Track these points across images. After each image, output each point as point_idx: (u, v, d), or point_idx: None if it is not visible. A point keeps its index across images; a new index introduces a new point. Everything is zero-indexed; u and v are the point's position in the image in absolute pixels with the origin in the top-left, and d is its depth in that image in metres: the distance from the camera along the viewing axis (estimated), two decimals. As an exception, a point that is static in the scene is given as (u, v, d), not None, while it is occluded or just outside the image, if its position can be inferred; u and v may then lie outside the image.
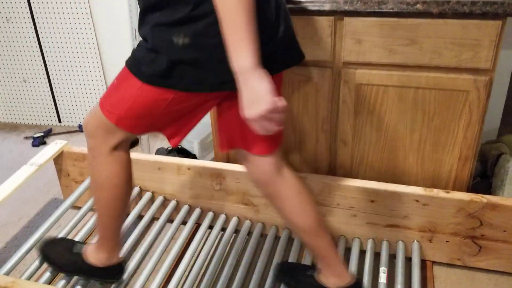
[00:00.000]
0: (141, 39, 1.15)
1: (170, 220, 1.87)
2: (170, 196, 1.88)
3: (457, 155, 1.64)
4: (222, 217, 1.81)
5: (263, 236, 1.81)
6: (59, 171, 2.01)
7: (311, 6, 1.53)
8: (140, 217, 1.89)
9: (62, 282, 1.52)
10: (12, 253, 1.82)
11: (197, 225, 1.85)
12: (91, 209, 1.85)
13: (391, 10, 1.46)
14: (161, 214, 1.84)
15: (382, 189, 1.58)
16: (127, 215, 1.84)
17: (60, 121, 2.83)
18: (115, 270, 1.50)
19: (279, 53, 1.15)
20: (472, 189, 1.73)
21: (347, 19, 1.53)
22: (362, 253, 1.69)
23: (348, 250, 1.70)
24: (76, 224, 1.75)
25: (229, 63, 1.03)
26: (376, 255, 1.65)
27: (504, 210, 1.49)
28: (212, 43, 1.03)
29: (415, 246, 1.61)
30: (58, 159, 1.98)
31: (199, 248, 1.76)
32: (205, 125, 2.10)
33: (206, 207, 1.84)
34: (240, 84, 0.97)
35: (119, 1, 2.39)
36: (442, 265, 1.66)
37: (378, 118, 1.67)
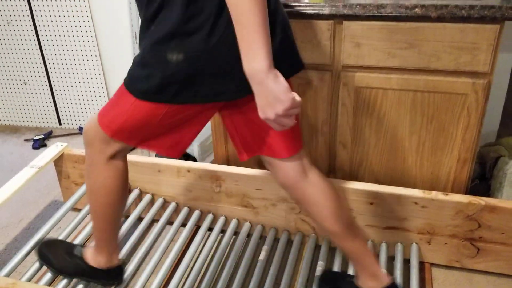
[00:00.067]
0: (138, 52, 1.16)
1: (169, 222, 1.88)
2: (170, 198, 1.89)
3: (455, 157, 1.65)
4: (221, 219, 1.82)
5: (262, 238, 1.81)
6: (59, 173, 2.02)
7: (310, 10, 1.54)
8: (140, 219, 1.90)
9: (63, 283, 1.53)
10: (13, 255, 1.83)
11: (197, 227, 1.85)
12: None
13: (390, 14, 1.48)
14: (160, 216, 1.85)
15: (381, 191, 1.59)
16: (126, 217, 1.85)
17: (60, 124, 2.83)
18: (115, 272, 1.51)
19: (275, 64, 1.15)
20: (471, 191, 1.74)
21: (346, 23, 1.54)
22: (361, 255, 1.70)
23: (347, 252, 1.71)
24: (76, 226, 1.76)
25: (223, 76, 1.05)
26: (375, 257, 1.66)
27: (502, 212, 1.50)
28: (205, 58, 1.04)
29: (414, 248, 1.62)
30: (59, 161, 1.98)
31: (199, 250, 1.77)
32: (205, 127, 2.10)
33: (205, 209, 1.85)
34: (254, 87, 0.96)
35: (119, 5, 2.39)
36: (440, 267, 1.66)
37: (377, 121, 1.67)
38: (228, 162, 1.94)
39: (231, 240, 1.80)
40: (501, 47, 1.95)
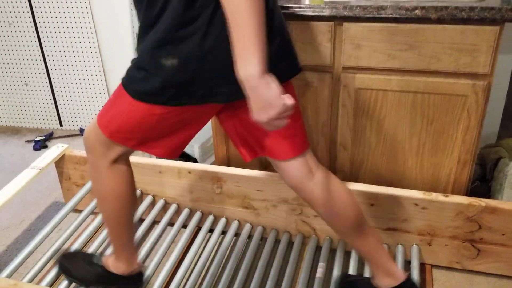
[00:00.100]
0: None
1: (170, 223, 1.88)
2: (171, 199, 1.89)
3: (456, 159, 1.65)
4: (222, 221, 1.82)
5: (263, 239, 1.82)
6: (61, 174, 2.02)
7: (311, 12, 1.54)
8: (141, 220, 1.90)
9: (64, 284, 1.53)
10: (14, 256, 1.83)
11: (198, 228, 1.86)
12: (92, 213, 1.86)
13: (390, 16, 1.48)
14: (161, 218, 1.85)
15: (381, 192, 1.59)
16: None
17: (61, 125, 2.84)
18: (136, 278, 1.51)
19: (271, 68, 1.15)
20: (471, 192, 1.74)
21: (346, 25, 1.54)
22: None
23: (347, 254, 1.71)
24: (77, 227, 1.76)
25: (218, 79, 1.06)
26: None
27: (502, 214, 1.50)
28: (199, 62, 1.05)
29: (414, 249, 1.62)
30: (60, 162, 1.99)
31: (200, 252, 1.77)
32: (206, 129, 2.11)
33: (206, 210, 1.85)
34: (247, 91, 0.96)
35: (121, 6, 2.40)
36: (441, 268, 1.66)
37: (378, 122, 1.68)
38: (229, 164, 1.94)
39: (232, 241, 1.80)
40: (502, 48, 1.95)
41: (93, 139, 1.27)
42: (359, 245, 1.34)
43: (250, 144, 1.27)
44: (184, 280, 1.64)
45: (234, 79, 1.03)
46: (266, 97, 0.94)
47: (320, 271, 1.57)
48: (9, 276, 1.55)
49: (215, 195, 1.80)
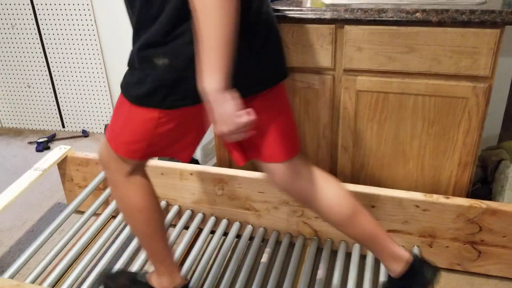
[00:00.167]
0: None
1: (172, 224, 1.89)
2: (173, 201, 1.90)
3: (456, 161, 1.66)
4: (224, 222, 1.83)
5: (264, 241, 1.82)
6: (63, 176, 2.03)
7: (312, 15, 1.55)
8: (143, 221, 1.91)
9: (66, 284, 1.54)
10: (16, 257, 1.84)
11: (199, 230, 1.86)
12: (94, 214, 1.86)
13: (391, 19, 1.49)
14: (163, 219, 1.86)
15: (382, 194, 1.60)
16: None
17: (63, 127, 2.85)
18: None
19: (264, 71, 1.17)
20: (472, 194, 1.75)
21: (347, 27, 1.55)
22: (363, 258, 1.70)
23: (348, 255, 1.71)
24: (80, 228, 1.77)
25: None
26: (377, 260, 1.67)
27: (503, 216, 1.51)
28: (190, 61, 1.05)
29: (415, 251, 1.63)
30: (62, 164, 2.00)
31: (201, 253, 1.78)
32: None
33: (208, 212, 1.86)
34: (206, 102, 0.98)
35: (123, 9, 2.41)
36: (442, 270, 1.67)
37: (379, 125, 1.68)
38: (230, 165, 1.95)
39: (233, 243, 1.81)
40: (503, 51, 1.96)
41: (106, 155, 1.27)
42: (356, 234, 1.32)
43: (243, 147, 1.28)
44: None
45: (244, 74, 1.06)
46: (221, 113, 0.96)
47: (320, 273, 1.58)
48: (12, 276, 1.56)
49: (216, 196, 1.81)
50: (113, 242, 1.83)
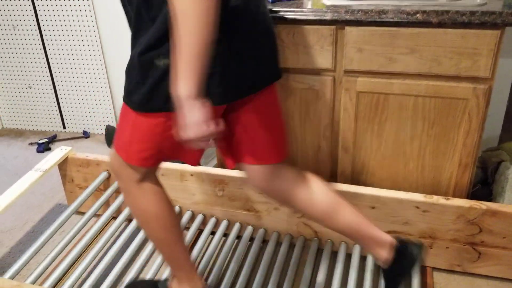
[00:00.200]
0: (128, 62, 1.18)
1: (173, 225, 1.89)
2: (173, 202, 1.90)
3: (457, 162, 1.66)
4: (224, 223, 1.83)
5: (265, 242, 1.82)
6: (64, 177, 2.03)
7: (313, 16, 1.56)
8: (143, 222, 1.91)
9: (67, 285, 1.54)
10: (17, 258, 1.84)
11: (200, 230, 1.86)
12: (94, 215, 1.87)
13: (391, 20, 1.49)
14: (164, 220, 1.86)
15: (382, 195, 1.60)
16: (130, 221, 1.86)
17: (64, 127, 2.85)
18: None
19: (257, 73, 1.18)
20: (473, 196, 1.75)
21: (348, 29, 1.55)
22: (363, 259, 1.70)
23: (348, 256, 1.72)
24: (80, 229, 1.77)
25: (209, 78, 1.06)
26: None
27: (503, 217, 1.51)
28: None
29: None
30: (63, 165, 2.00)
31: (202, 254, 1.78)
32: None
33: (208, 213, 1.86)
34: (177, 106, 0.99)
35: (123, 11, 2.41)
36: (442, 271, 1.67)
37: (379, 126, 1.69)
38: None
39: (234, 244, 1.81)
40: (504, 52, 1.96)
41: (116, 165, 1.27)
42: (337, 226, 1.33)
43: (235, 148, 1.28)
44: (186, 282, 1.65)
45: (227, 78, 1.06)
46: (188, 120, 0.98)
47: (321, 274, 1.58)
48: (12, 277, 1.56)
49: (217, 197, 1.81)
50: (114, 243, 1.83)
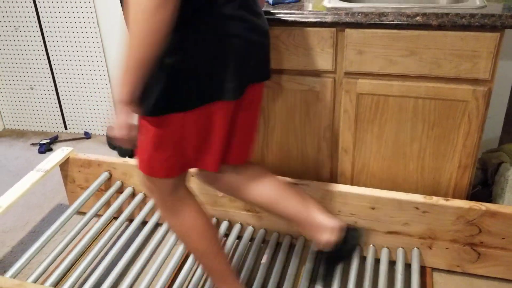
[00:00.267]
0: None
1: (173, 226, 1.90)
2: (174, 202, 1.91)
3: (456, 163, 1.67)
4: (225, 224, 1.84)
5: (265, 242, 1.83)
6: (65, 177, 2.04)
7: (313, 18, 1.56)
8: (144, 223, 1.92)
9: (68, 284, 1.55)
10: (18, 257, 1.85)
11: (200, 231, 1.87)
12: (95, 215, 1.88)
13: (392, 22, 1.50)
14: (164, 220, 1.87)
15: (382, 196, 1.61)
16: (131, 221, 1.86)
17: (66, 128, 2.86)
18: None
19: (255, 66, 1.21)
20: (473, 197, 1.75)
21: (348, 31, 1.56)
22: (363, 259, 1.71)
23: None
24: (81, 229, 1.78)
25: (219, 75, 1.09)
26: (376, 261, 1.68)
27: (502, 218, 1.51)
28: (197, 55, 1.07)
29: (415, 252, 1.64)
30: (64, 165, 2.01)
31: (202, 254, 1.79)
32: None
33: (209, 213, 1.87)
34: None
35: (125, 11, 2.42)
36: (441, 271, 1.68)
37: (379, 127, 1.69)
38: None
39: (234, 244, 1.81)
40: (504, 54, 1.97)
41: (147, 183, 1.28)
42: (281, 212, 1.36)
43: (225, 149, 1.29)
44: (186, 282, 1.65)
45: (238, 73, 1.10)
46: (117, 121, 1.09)
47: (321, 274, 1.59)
48: (14, 276, 1.57)
49: (217, 198, 1.82)
50: (115, 243, 1.84)
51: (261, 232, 1.80)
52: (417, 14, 1.48)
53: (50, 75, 2.71)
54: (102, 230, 1.92)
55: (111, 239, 1.78)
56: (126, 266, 1.72)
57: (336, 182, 1.84)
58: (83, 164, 1.98)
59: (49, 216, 2.11)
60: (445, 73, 1.54)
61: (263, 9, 1.57)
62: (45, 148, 2.66)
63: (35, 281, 1.58)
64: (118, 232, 1.94)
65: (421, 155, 1.69)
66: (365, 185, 1.81)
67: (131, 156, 2.00)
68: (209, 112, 1.17)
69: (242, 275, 1.60)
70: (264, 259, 1.60)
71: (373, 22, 1.51)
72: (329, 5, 1.62)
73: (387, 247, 1.67)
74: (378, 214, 1.63)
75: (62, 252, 1.69)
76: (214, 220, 1.85)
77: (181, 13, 1.02)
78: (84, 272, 1.62)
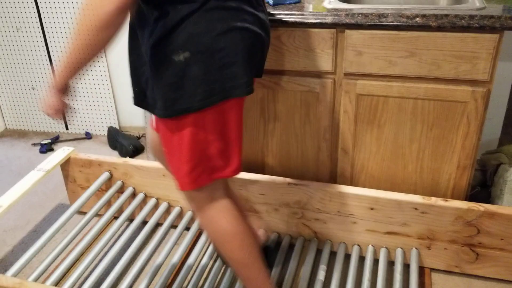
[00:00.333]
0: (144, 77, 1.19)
1: (173, 225, 1.91)
2: (174, 202, 1.91)
3: (455, 164, 1.67)
4: (225, 224, 1.84)
5: (265, 242, 1.83)
6: (66, 177, 2.05)
7: (313, 19, 1.57)
8: (144, 222, 1.93)
9: (68, 283, 1.56)
10: (19, 256, 1.86)
11: (200, 231, 1.88)
12: (96, 215, 1.88)
13: (391, 23, 1.50)
14: (165, 220, 1.88)
15: (381, 197, 1.61)
16: (131, 220, 1.87)
17: (67, 128, 2.87)
18: None
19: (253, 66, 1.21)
20: (472, 198, 1.76)
21: (348, 32, 1.57)
22: (362, 259, 1.72)
23: (347, 257, 1.73)
24: (82, 229, 1.79)
25: (231, 69, 1.08)
26: (375, 262, 1.68)
27: (501, 219, 1.52)
28: (213, 50, 1.06)
29: (414, 253, 1.64)
30: (65, 165, 2.01)
31: (202, 254, 1.79)
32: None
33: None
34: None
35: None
36: (440, 272, 1.68)
37: (378, 128, 1.70)
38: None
39: (234, 244, 1.81)
40: (503, 56, 1.98)
41: (186, 194, 1.26)
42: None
43: None
44: (186, 282, 1.66)
45: (250, 67, 1.11)
46: (46, 100, 1.24)
47: (321, 274, 1.59)
48: (15, 275, 1.58)
49: (218, 198, 1.82)
50: (115, 242, 1.84)
51: (260, 232, 1.80)
52: (417, 15, 1.48)
53: (51, 75, 2.72)
54: (103, 230, 1.92)
55: (111, 238, 1.78)
56: (126, 265, 1.73)
57: (335, 182, 1.85)
58: (84, 164, 1.98)
59: (50, 216, 2.11)
60: (444, 74, 1.54)
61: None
62: (46, 148, 2.67)
63: (35, 280, 1.58)
64: (119, 232, 1.95)
65: (420, 156, 1.70)
66: (364, 186, 1.82)
67: (131, 156, 2.01)
68: (224, 110, 1.14)
69: (241, 274, 1.61)
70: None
71: (373, 23, 1.52)
72: (329, 6, 1.62)
73: (386, 248, 1.68)
74: (377, 215, 1.64)
75: (63, 251, 1.70)
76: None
77: (187, 6, 1.02)
78: (85, 271, 1.63)
